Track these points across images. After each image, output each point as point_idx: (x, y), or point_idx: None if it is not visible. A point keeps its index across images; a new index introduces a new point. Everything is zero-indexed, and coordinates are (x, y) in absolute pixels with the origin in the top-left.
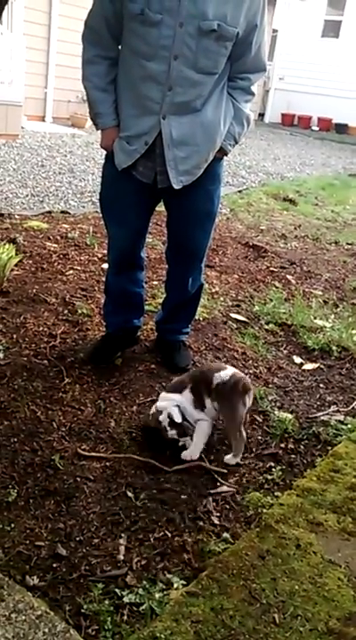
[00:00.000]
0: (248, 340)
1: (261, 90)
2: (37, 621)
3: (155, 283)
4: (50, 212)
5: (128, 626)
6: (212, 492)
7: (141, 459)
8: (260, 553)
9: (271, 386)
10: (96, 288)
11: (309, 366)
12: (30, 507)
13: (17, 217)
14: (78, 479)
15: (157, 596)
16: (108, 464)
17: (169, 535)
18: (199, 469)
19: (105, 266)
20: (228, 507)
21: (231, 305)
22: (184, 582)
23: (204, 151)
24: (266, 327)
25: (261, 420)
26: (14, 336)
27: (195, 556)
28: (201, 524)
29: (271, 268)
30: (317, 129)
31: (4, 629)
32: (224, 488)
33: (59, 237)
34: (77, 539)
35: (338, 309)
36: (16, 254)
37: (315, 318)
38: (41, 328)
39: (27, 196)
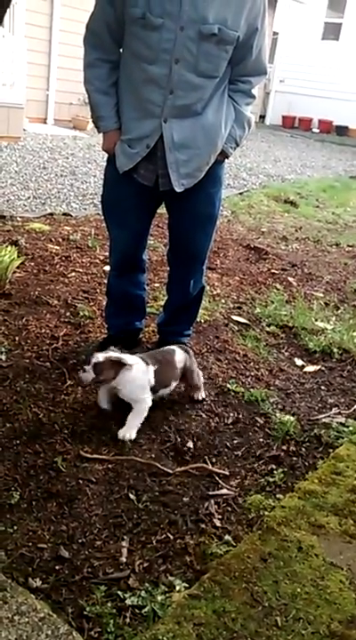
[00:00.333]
0: (250, 342)
1: (261, 92)
2: (40, 623)
3: (156, 285)
4: (52, 215)
5: (131, 628)
6: (214, 494)
7: (143, 461)
8: (262, 555)
9: (272, 388)
10: (98, 290)
11: (310, 368)
12: (33, 509)
13: (19, 219)
14: (81, 481)
15: (159, 598)
16: (110, 466)
17: (171, 537)
18: (201, 471)
19: (107, 268)
20: (230, 509)
21: (233, 307)
22: (186, 585)
23: (205, 154)
24: (267, 329)
25: (262, 423)
26: (16, 338)
27: (197, 558)
28: (203, 526)
29: (273, 271)
30: (317, 131)
31: (8, 631)
32: (226, 491)
33: (61, 240)
34: (80, 541)
35: (339, 311)
36: (18, 256)
37: (316, 320)
38: (43, 330)
39: (29, 198)
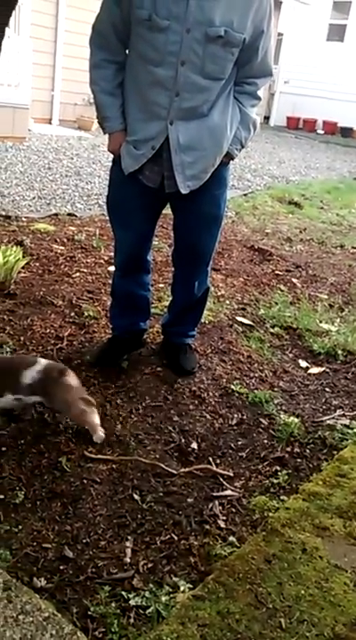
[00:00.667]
0: (254, 343)
1: (266, 93)
2: (45, 623)
3: (161, 285)
4: (57, 215)
5: (135, 629)
6: (218, 495)
7: (148, 462)
8: (266, 557)
9: (276, 389)
10: (102, 290)
11: (314, 370)
12: (37, 509)
13: (24, 219)
14: (85, 481)
15: (163, 599)
16: (114, 467)
17: (175, 538)
18: (205, 472)
19: (111, 268)
20: (234, 510)
21: (237, 308)
22: (190, 586)
23: (211, 156)
24: (272, 331)
25: (266, 424)
26: (21, 338)
27: (201, 559)
28: (207, 527)
29: (277, 272)
30: (322, 132)
31: (12, 630)
32: (230, 492)
33: (65, 240)
34: (84, 541)
35: (344, 313)
36: (23, 257)
37: (321, 322)
38: (48, 330)
39: (34, 198)
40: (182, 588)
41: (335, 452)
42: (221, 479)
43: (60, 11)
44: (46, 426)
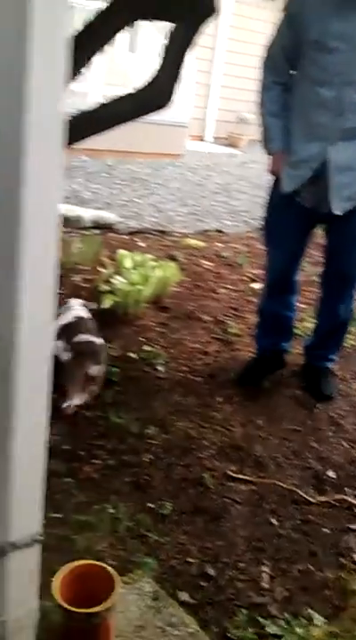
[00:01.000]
0: None
1: None
2: (190, 639)
3: (302, 306)
4: (206, 231)
5: None
6: (354, 528)
7: (286, 486)
8: None
9: None
10: (246, 308)
11: None
12: (182, 522)
13: (177, 235)
14: (226, 500)
15: (298, 630)
16: (253, 488)
17: (311, 569)
18: (341, 503)
19: (254, 285)
20: None
21: None
22: (325, 620)
23: None
24: None
25: None
26: (172, 351)
27: (336, 593)
28: (342, 560)
29: None
30: None
31: None
32: None
33: (213, 256)
34: (224, 560)
35: None
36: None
37: None
38: (195, 345)
39: (186, 214)
40: (316, 622)
41: None
42: None
43: (220, 31)
44: (192, 440)
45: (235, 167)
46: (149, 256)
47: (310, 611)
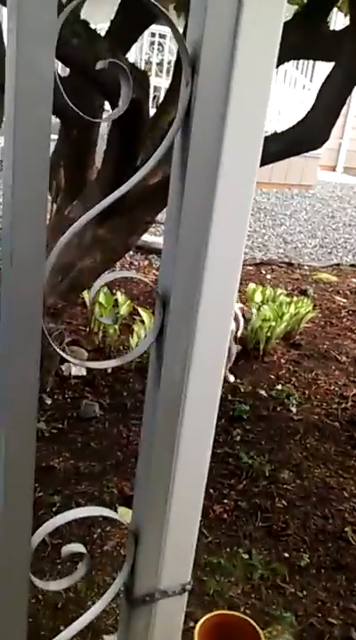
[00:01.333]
0: None
1: None
2: None
3: None
4: (338, 265)
5: None
6: None
7: None
8: None
9: None
10: None
11: None
12: (321, 577)
13: (306, 268)
14: None
15: None
16: None
17: None
18: None
19: None
20: None
21: None
22: None
23: None
24: None
25: None
26: (306, 392)
27: None
28: None
29: None
30: None
31: None
32: None
33: (348, 292)
34: None
35: None
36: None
37: None
38: (332, 387)
39: (315, 246)
40: None
41: None
42: None
43: None
44: (331, 489)
45: None
46: (280, 290)
47: None
